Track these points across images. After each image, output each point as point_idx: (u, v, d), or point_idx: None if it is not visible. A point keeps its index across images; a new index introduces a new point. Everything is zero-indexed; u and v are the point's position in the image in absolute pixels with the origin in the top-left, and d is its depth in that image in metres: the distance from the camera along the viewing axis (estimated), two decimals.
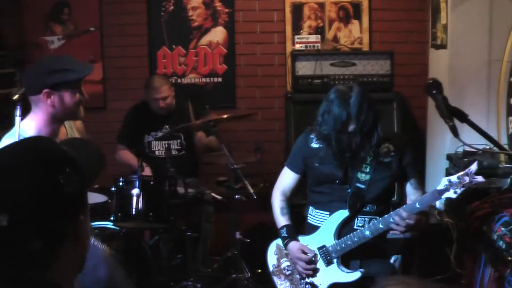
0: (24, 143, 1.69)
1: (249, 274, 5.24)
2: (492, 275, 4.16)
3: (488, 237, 4.15)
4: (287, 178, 4.05)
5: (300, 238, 3.92)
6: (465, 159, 4.75)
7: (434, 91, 2.13)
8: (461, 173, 3.34)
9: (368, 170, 3.73)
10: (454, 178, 3.36)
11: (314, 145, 3.85)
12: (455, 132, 2.02)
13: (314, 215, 3.93)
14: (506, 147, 4.62)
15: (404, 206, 3.57)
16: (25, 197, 1.51)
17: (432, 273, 5.02)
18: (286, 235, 3.92)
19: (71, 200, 1.59)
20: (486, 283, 4.27)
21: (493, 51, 5.45)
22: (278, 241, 4.06)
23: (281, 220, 3.99)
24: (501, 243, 3.97)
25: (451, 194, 3.37)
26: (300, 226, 4.08)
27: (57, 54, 6.69)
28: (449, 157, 5.21)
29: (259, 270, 5.74)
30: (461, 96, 5.59)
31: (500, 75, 4.73)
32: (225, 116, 5.38)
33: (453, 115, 2.07)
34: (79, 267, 1.68)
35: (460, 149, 4.99)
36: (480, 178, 3.29)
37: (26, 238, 1.50)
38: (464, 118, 2.08)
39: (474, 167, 3.28)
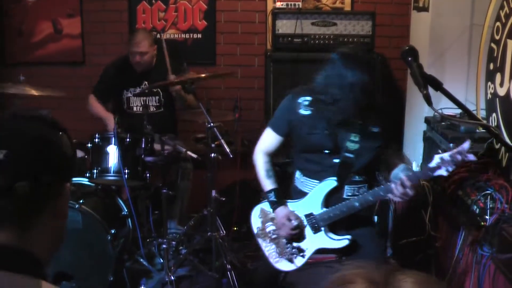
0: (27, 111, 1.72)
1: (224, 232, 5.25)
2: (466, 239, 4.20)
3: (463, 201, 4.17)
4: (270, 140, 3.99)
5: (287, 203, 3.91)
6: (443, 123, 4.75)
7: (409, 58, 2.10)
8: (454, 151, 3.29)
9: (357, 139, 3.70)
10: (446, 156, 3.31)
11: (303, 111, 3.77)
12: (428, 101, 2.00)
13: (302, 181, 3.91)
14: (484, 112, 4.62)
15: (407, 175, 3.50)
16: (26, 140, 1.58)
17: (407, 235, 5.06)
18: (275, 199, 3.90)
19: (66, 162, 1.66)
20: (460, 246, 4.31)
21: (475, 15, 5.42)
22: (263, 205, 4.04)
23: (268, 183, 3.96)
24: (475, 208, 3.99)
25: (443, 171, 3.34)
26: (283, 184, 4.07)
27: (35, 7, 6.60)
28: (427, 120, 5.20)
29: (235, 228, 5.76)
30: (441, 59, 5.57)
31: (481, 39, 4.70)
32: (203, 75, 5.32)
33: (428, 83, 2.05)
34: (57, 241, 1.69)
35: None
36: (471, 157, 3.25)
37: (16, 177, 1.53)
38: (438, 86, 2.05)
39: (466, 145, 3.23)
